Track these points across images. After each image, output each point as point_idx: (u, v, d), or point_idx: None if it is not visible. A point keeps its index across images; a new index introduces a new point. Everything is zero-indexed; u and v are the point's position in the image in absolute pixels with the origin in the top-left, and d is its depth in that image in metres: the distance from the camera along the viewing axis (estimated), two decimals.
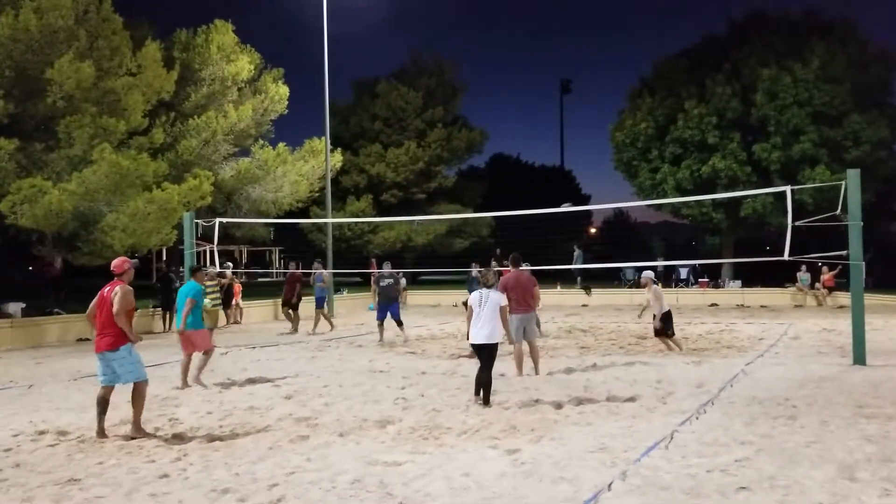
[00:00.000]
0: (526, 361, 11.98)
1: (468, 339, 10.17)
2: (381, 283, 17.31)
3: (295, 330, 19.73)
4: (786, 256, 12.55)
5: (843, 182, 12.39)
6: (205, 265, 17.77)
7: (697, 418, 8.51)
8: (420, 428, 8.29)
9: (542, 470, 6.51)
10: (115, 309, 7.94)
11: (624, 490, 5.90)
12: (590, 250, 44.38)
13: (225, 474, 6.57)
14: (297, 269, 20.83)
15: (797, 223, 12.62)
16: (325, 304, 20.74)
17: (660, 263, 32.97)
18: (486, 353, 9.73)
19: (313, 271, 20.83)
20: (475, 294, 10.02)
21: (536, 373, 11.93)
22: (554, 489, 5.97)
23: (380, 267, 19.82)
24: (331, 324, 20.39)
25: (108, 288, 8.18)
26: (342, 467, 6.70)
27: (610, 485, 6.00)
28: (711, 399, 9.61)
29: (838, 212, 12.32)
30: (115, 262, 8.44)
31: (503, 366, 11.60)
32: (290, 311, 20.09)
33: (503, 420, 8.62)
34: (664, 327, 14.74)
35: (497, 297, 9.88)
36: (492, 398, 9.71)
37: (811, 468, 6.42)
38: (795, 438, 7.44)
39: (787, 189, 13.00)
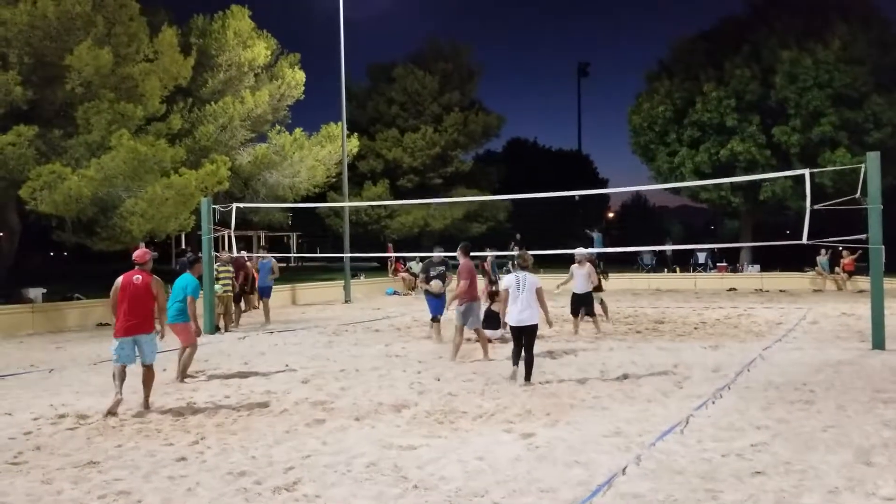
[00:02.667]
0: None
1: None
2: (432, 272, 14.53)
3: (237, 323, 17.97)
4: (804, 240, 12.45)
5: (863, 165, 12.28)
6: (220, 251, 17.84)
7: (713, 403, 8.49)
8: (435, 412, 8.33)
9: (556, 454, 6.52)
10: (159, 303, 8.95)
11: (638, 474, 5.90)
12: (607, 235, 44.41)
13: (242, 457, 6.63)
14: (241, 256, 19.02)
15: (816, 206, 12.51)
16: (270, 293, 18.97)
17: (675, 247, 32.89)
18: (527, 334, 9.97)
19: (259, 255, 19.14)
20: (511, 277, 10.11)
21: (485, 356, 12.04)
22: (568, 473, 5.98)
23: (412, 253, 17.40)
24: (266, 316, 18.39)
25: (136, 276, 8.82)
26: (358, 451, 6.74)
27: (624, 469, 6.00)
28: (728, 384, 9.58)
29: (858, 195, 12.20)
30: (137, 253, 9.11)
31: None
32: (234, 302, 17.96)
33: (518, 404, 8.64)
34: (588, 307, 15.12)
35: (534, 280, 10.03)
36: (506, 383, 9.89)
37: (827, 453, 6.40)
38: (812, 423, 7.41)
39: (806, 172, 12.89)
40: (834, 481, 5.66)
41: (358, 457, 6.55)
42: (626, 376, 10.38)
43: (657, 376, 10.32)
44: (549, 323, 10.76)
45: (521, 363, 10.10)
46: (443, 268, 14.63)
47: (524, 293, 9.87)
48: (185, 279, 11.24)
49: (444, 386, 9.91)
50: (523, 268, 10.20)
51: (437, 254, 14.97)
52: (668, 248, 33.31)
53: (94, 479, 6.09)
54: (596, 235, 33.19)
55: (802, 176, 13.27)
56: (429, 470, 6.14)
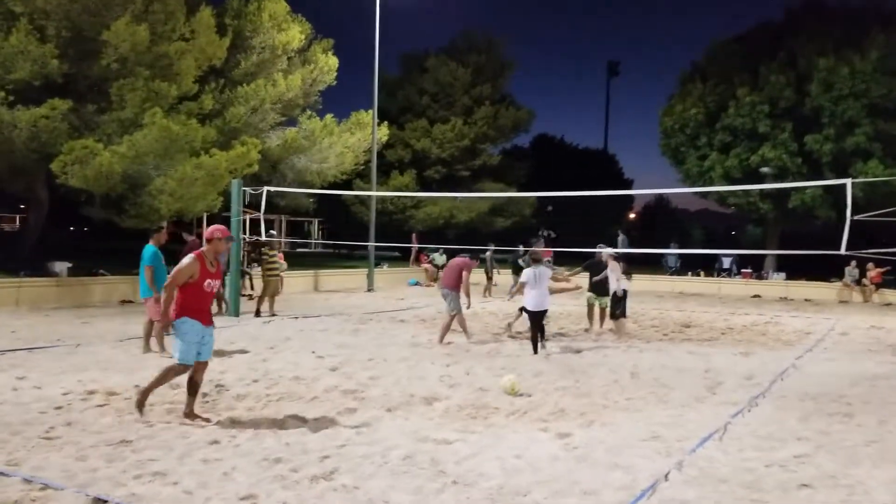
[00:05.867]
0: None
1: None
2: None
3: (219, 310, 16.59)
4: (843, 250, 12.25)
5: None
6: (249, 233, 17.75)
7: (749, 411, 8.34)
8: (467, 406, 8.23)
9: (595, 455, 6.40)
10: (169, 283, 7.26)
11: (681, 481, 5.77)
12: (629, 235, 44.22)
13: (275, 443, 6.55)
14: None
15: (857, 217, 12.28)
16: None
17: (703, 251, 32.56)
18: (541, 317, 12.15)
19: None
20: (529, 271, 12.19)
21: (440, 341, 13.18)
22: (609, 476, 5.86)
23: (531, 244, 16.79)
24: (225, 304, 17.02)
25: None
26: (393, 442, 6.65)
27: (667, 475, 5.87)
28: (763, 392, 9.42)
29: None
30: (209, 229, 7.70)
31: (550, 345, 11.60)
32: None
33: (551, 403, 8.53)
34: (614, 307, 14.50)
35: (547, 271, 12.37)
36: (536, 381, 9.89)
37: (873, 468, 6.25)
38: (854, 437, 7.25)
39: (848, 182, 12.65)
40: (883, 498, 5.52)
41: (393, 448, 6.45)
42: (657, 379, 10.25)
43: (689, 381, 10.18)
44: (570, 282, 13.69)
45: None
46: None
47: (540, 284, 12.01)
48: (145, 250, 11.13)
49: (474, 380, 9.81)
50: (537, 262, 12.36)
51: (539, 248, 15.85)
52: (676, 251, 32.93)
53: (128, 458, 6.02)
54: (621, 237, 32.88)
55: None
56: (467, 466, 6.04)
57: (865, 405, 8.79)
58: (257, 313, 16.65)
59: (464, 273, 13.31)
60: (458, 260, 13.72)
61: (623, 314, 14.58)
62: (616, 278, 14.45)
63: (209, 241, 7.47)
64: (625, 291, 14.54)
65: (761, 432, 7.35)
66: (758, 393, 9.35)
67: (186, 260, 7.24)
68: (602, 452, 6.49)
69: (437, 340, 13.20)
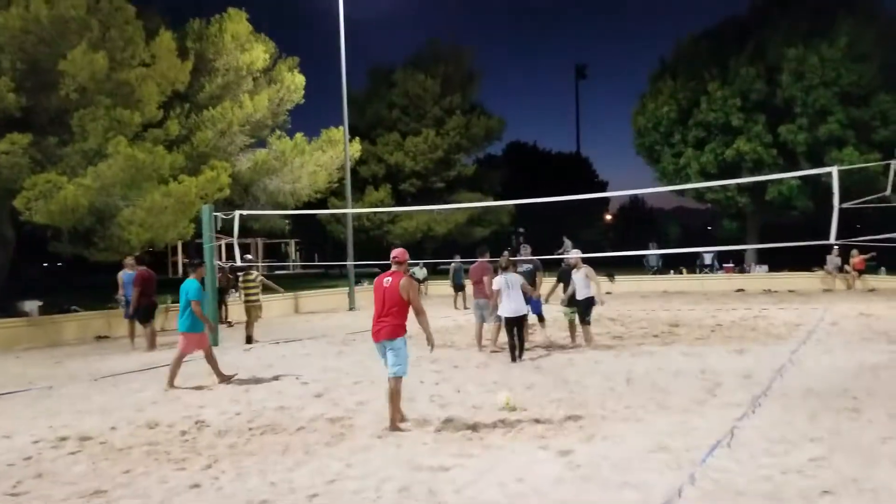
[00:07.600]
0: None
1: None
2: (519, 269, 13.51)
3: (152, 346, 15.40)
4: (832, 239, 11.97)
5: (892, 162, 11.83)
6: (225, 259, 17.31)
7: (754, 412, 8.01)
8: (461, 427, 7.84)
9: (601, 473, 6.03)
10: (415, 308, 8.03)
11: (696, 496, 5.40)
12: (605, 237, 44.07)
13: (260, 483, 6.14)
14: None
15: (844, 205, 12.01)
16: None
17: (692, 250, 32.30)
18: (520, 323, 12.18)
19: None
20: (500, 279, 12.14)
21: (479, 349, 13.51)
22: (620, 496, 5.48)
23: (516, 250, 16.12)
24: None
25: (387, 278, 8.10)
26: (386, 473, 6.24)
27: (680, 491, 5.50)
28: (764, 391, 9.11)
29: (887, 192, 11.73)
30: (396, 251, 8.41)
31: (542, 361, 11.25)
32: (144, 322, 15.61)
33: (547, 416, 8.19)
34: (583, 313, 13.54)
35: (518, 278, 12.29)
36: (529, 394, 9.53)
37: (893, 468, 5.91)
38: (868, 435, 6.93)
39: (834, 170, 12.39)
40: None
41: (387, 480, 6.05)
42: (653, 384, 9.92)
43: (686, 384, 9.86)
44: (538, 293, 13.79)
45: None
46: (530, 266, 14.35)
47: (513, 290, 12.01)
48: (187, 284, 11.07)
49: (465, 398, 9.44)
50: (506, 269, 12.22)
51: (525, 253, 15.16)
52: (656, 251, 32.74)
53: None
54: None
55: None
56: (467, 494, 5.65)
57: (872, 398, 8.49)
58: (248, 340, 16.26)
59: (485, 278, 13.45)
60: (482, 271, 13.75)
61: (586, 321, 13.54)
62: (586, 284, 13.33)
63: (402, 262, 8.22)
64: (592, 298, 13.40)
65: (771, 435, 7.02)
66: (759, 392, 9.04)
67: (408, 283, 8.02)
68: (608, 469, 6.12)
69: (495, 348, 13.29)
